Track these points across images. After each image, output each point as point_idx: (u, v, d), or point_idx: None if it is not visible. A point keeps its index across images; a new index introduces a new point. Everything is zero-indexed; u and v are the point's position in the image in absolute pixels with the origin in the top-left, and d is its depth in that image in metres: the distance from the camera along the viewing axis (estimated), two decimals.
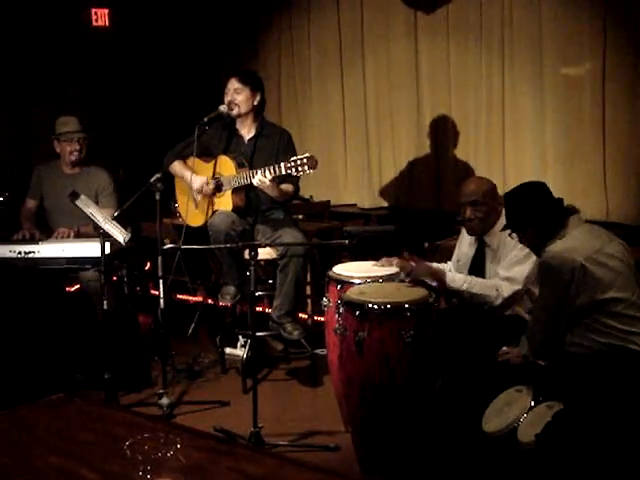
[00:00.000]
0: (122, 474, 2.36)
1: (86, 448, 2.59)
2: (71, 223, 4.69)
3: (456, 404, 3.29)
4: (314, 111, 6.60)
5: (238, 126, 4.57)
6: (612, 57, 4.95)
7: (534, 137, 5.38)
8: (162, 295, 4.18)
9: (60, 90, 6.26)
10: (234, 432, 3.73)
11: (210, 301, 5.59)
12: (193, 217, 4.58)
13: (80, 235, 4.66)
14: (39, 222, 4.91)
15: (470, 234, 3.77)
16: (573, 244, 3.07)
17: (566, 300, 3.04)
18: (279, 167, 4.08)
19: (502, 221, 3.45)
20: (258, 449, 3.38)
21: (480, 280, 3.64)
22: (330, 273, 3.87)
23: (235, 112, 4.48)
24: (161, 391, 4.19)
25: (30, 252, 4.36)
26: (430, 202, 6.00)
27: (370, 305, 3.36)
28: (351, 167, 6.46)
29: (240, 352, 4.74)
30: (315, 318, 5.11)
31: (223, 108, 4.46)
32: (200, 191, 4.48)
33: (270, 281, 4.64)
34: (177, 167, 4.62)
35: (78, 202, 4.11)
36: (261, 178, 4.15)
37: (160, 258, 4.12)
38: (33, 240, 4.59)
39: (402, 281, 3.72)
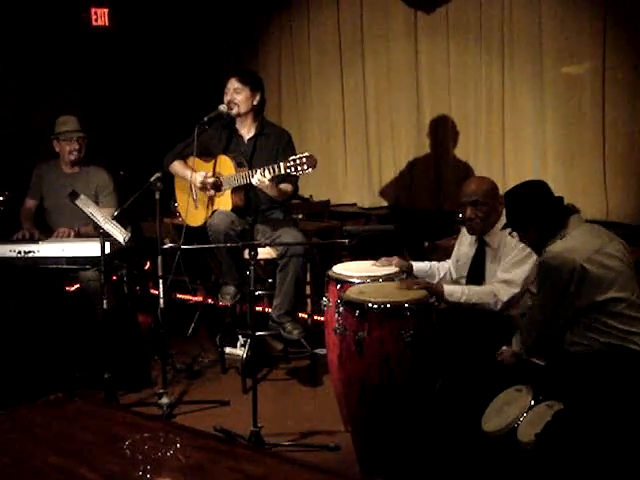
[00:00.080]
0: (122, 474, 2.35)
1: (86, 448, 2.59)
2: (71, 223, 4.69)
3: (456, 404, 3.29)
4: (314, 111, 6.60)
5: (238, 126, 4.57)
6: (612, 57, 4.95)
7: (534, 137, 5.38)
8: (162, 295, 4.18)
9: (60, 90, 6.26)
10: (234, 432, 3.74)
11: (210, 301, 5.59)
12: (193, 217, 4.58)
13: (80, 235, 4.66)
14: (39, 222, 4.91)
15: (471, 234, 3.76)
16: (573, 244, 3.07)
17: (564, 300, 3.04)
18: (278, 166, 4.08)
19: (503, 221, 3.45)
20: (258, 449, 3.38)
21: (477, 289, 3.62)
22: (330, 273, 3.86)
23: (235, 112, 4.48)
24: (161, 391, 4.19)
25: (30, 252, 4.36)
26: (430, 202, 6.00)
27: (370, 305, 3.35)
28: (351, 167, 6.46)
29: (240, 352, 4.74)
30: (315, 318, 5.12)
31: (223, 107, 4.46)
32: (204, 185, 4.46)
33: (270, 281, 4.64)
34: (177, 167, 4.62)
35: (78, 202, 4.11)
36: (260, 178, 4.15)
37: (160, 258, 4.11)
38: (33, 240, 4.59)
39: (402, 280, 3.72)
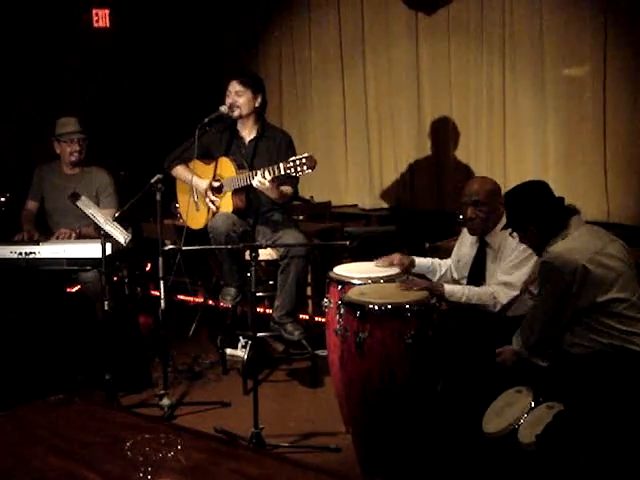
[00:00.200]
0: (122, 475, 2.35)
1: (86, 449, 2.59)
2: (72, 224, 4.69)
3: (457, 405, 3.29)
4: (315, 112, 6.61)
5: (239, 128, 4.57)
6: (613, 57, 4.95)
7: (535, 138, 5.38)
8: (163, 296, 4.18)
9: (61, 91, 6.26)
10: (235, 433, 3.73)
11: (211, 302, 5.59)
12: (194, 219, 4.58)
13: (81, 236, 4.66)
14: (40, 224, 4.91)
15: (471, 234, 3.76)
16: (575, 245, 3.07)
17: (566, 301, 3.04)
18: (278, 167, 4.07)
19: (504, 222, 3.44)
20: (259, 450, 3.38)
21: (477, 290, 3.62)
22: (331, 274, 3.86)
23: (237, 114, 4.47)
24: (162, 392, 4.19)
25: (31, 253, 4.36)
26: (431, 203, 6.00)
27: (371, 306, 3.35)
28: (352, 168, 6.46)
29: (241, 353, 4.73)
30: (316, 319, 5.12)
31: (224, 109, 4.45)
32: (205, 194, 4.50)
33: (271, 282, 4.64)
34: (179, 170, 4.62)
35: (79, 203, 4.11)
36: (260, 179, 4.15)
37: (161, 259, 4.11)
38: (34, 241, 4.59)
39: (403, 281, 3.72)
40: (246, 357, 4.47)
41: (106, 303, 4.07)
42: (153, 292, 5.73)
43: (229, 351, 4.87)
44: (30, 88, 6.22)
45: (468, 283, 3.74)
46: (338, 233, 5.71)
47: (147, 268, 5.84)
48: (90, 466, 2.45)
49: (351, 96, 6.38)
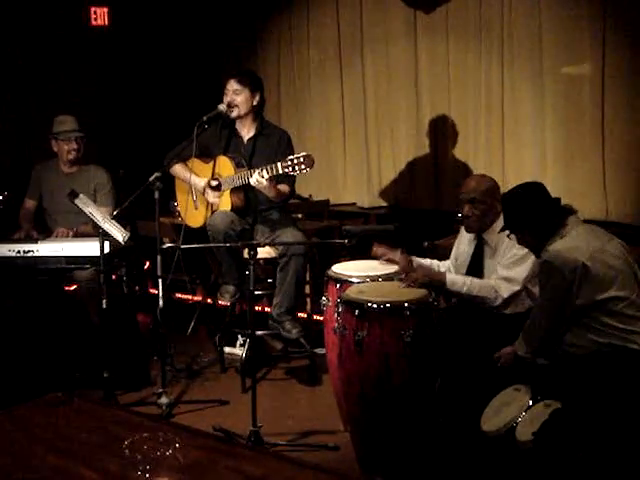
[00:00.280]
0: (121, 473, 2.36)
1: (85, 447, 2.59)
2: (70, 222, 4.68)
3: (455, 403, 3.29)
4: (313, 111, 6.60)
5: (237, 126, 4.56)
6: (612, 57, 4.95)
7: (534, 137, 5.38)
8: (161, 294, 4.18)
9: (59, 89, 6.26)
10: (233, 431, 3.74)
11: (209, 300, 5.59)
12: (193, 217, 4.59)
13: (79, 234, 4.66)
14: (38, 222, 4.90)
15: (467, 231, 3.77)
16: (574, 243, 3.07)
17: (568, 300, 3.03)
18: (276, 166, 4.07)
19: (502, 219, 3.44)
20: (257, 448, 3.38)
21: (479, 281, 3.62)
22: (329, 272, 3.87)
23: (235, 113, 4.47)
24: (160, 390, 4.19)
25: (29, 251, 4.36)
26: (429, 201, 6.00)
27: (369, 304, 3.36)
28: (350, 166, 6.46)
29: (239, 351, 4.75)
30: (314, 317, 5.12)
31: (222, 107, 4.45)
32: (203, 193, 4.50)
33: (269, 280, 4.64)
34: (178, 169, 4.61)
35: (77, 201, 4.10)
36: (258, 178, 4.15)
37: (159, 257, 4.12)
38: (32, 239, 4.58)
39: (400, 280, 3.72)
40: (244, 355, 4.48)
41: (104, 301, 4.07)
42: (152, 290, 5.73)
43: (227, 349, 4.89)
44: (28, 86, 6.21)
45: None
46: (336, 231, 5.72)
47: (145, 266, 5.84)
48: (88, 464, 2.46)
49: (350, 94, 6.38)
